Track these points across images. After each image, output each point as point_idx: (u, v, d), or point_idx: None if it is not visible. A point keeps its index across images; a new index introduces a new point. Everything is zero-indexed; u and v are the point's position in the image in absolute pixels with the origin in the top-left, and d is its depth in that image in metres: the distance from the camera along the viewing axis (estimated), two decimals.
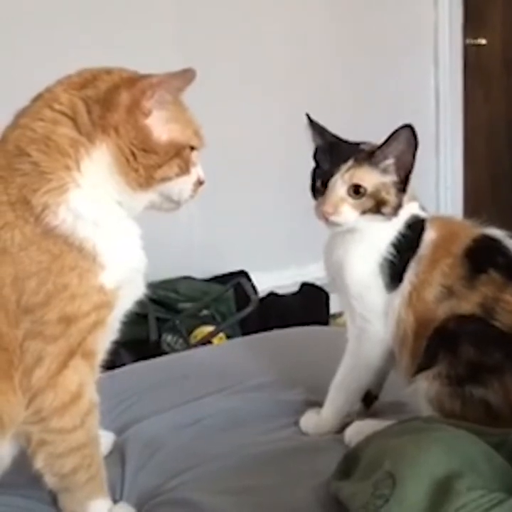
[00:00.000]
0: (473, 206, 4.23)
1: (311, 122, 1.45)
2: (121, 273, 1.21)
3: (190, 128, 1.26)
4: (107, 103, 1.17)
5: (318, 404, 1.53)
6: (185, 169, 1.25)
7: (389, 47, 3.89)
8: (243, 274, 3.26)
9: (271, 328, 2.12)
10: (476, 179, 4.29)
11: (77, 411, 1.20)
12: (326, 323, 3.04)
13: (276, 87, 3.51)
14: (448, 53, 4.10)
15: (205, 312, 2.93)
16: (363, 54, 3.77)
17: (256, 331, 2.15)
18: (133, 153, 1.19)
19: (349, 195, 1.36)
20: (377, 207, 1.37)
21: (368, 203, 1.36)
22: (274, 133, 3.38)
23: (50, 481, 1.23)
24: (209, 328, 2.79)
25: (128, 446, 1.44)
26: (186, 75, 1.21)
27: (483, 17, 4.16)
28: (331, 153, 1.41)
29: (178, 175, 1.24)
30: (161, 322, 2.79)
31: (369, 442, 1.16)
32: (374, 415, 1.50)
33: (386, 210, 1.38)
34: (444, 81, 4.12)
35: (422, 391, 1.32)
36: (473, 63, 4.19)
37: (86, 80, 1.21)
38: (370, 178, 1.36)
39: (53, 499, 1.26)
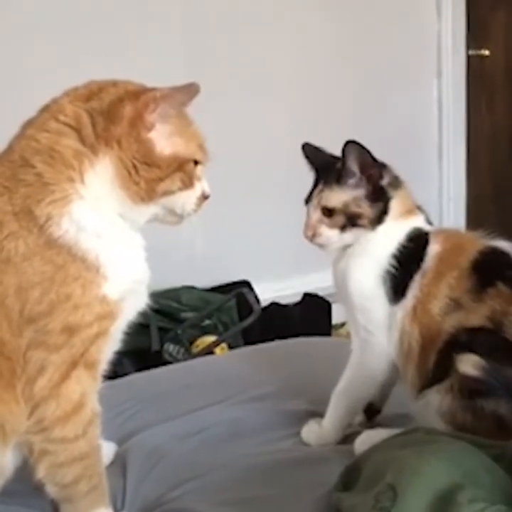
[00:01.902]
0: (476, 216, 4.23)
1: (304, 151, 1.51)
2: (124, 284, 1.21)
3: (195, 142, 1.26)
4: (110, 115, 1.18)
5: (320, 414, 1.53)
6: (188, 183, 1.25)
7: (392, 58, 3.89)
8: (245, 283, 3.25)
9: (273, 338, 2.12)
10: (479, 189, 4.29)
11: (79, 421, 1.20)
12: (328, 333, 3.04)
13: (280, 98, 3.51)
14: (451, 64, 4.11)
15: (207, 322, 2.92)
16: (366, 65, 3.77)
17: (258, 341, 2.16)
18: (135, 167, 1.19)
19: (324, 216, 1.43)
20: (351, 221, 1.42)
21: (339, 219, 1.42)
22: (277, 144, 3.38)
23: (51, 490, 1.23)
24: (211, 338, 2.78)
25: (130, 457, 1.44)
26: (190, 89, 1.22)
27: (486, 28, 4.17)
28: (316, 177, 1.49)
29: (180, 189, 1.24)
30: (163, 332, 2.78)
31: (371, 454, 1.16)
32: (378, 427, 1.50)
33: (362, 221, 1.42)
34: (447, 92, 4.13)
35: (434, 405, 1.31)
36: (476, 74, 4.19)
37: (92, 92, 1.21)
38: (337, 197, 1.42)
39: (55, 509, 1.26)
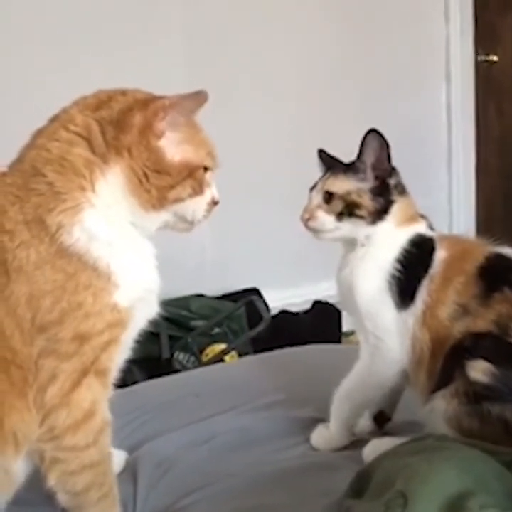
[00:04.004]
0: (485, 221, 4.22)
1: (320, 156, 1.53)
2: (135, 292, 1.22)
3: (204, 149, 1.27)
4: (120, 124, 1.19)
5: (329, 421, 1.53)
6: (198, 190, 1.25)
7: (401, 63, 3.89)
8: (255, 291, 3.25)
9: (283, 346, 2.12)
10: (488, 194, 4.29)
11: (89, 429, 1.21)
12: (338, 341, 3.03)
13: (287, 105, 3.52)
14: (460, 69, 4.11)
15: (217, 330, 2.92)
16: (374, 70, 3.78)
17: (268, 349, 2.15)
18: (146, 175, 1.20)
19: (324, 202, 1.45)
20: (349, 209, 1.42)
21: (338, 205, 1.43)
22: (286, 152, 3.39)
23: (62, 498, 1.23)
24: (221, 346, 2.78)
25: (140, 465, 1.44)
26: (199, 97, 1.22)
27: (494, 33, 4.17)
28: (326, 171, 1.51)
29: (191, 195, 1.24)
30: (173, 340, 2.78)
31: (381, 461, 1.15)
32: (389, 434, 1.49)
33: (361, 212, 1.42)
34: (456, 97, 4.13)
35: (440, 411, 1.31)
36: (485, 79, 4.19)
37: (101, 101, 1.22)
38: (341, 184, 1.44)
39: None
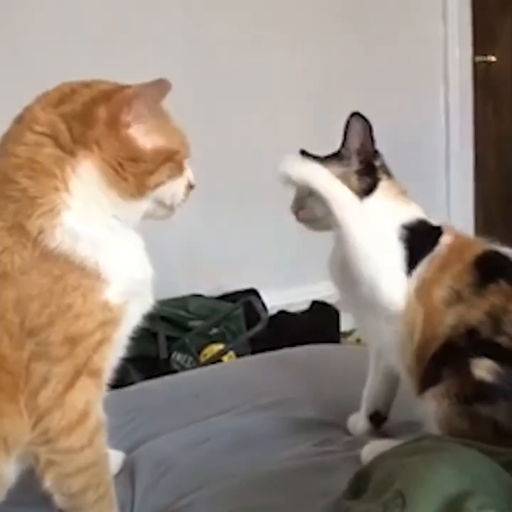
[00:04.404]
0: (484, 222, 4.23)
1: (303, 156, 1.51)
2: (125, 286, 1.20)
3: (176, 136, 1.25)
4: (85, 118, 1.17)
5: (328, 423, 1.53)
6: (177, 172, 1.24)
7: (398, 65, 3.90)
8: (253, 292, 3.25)
9: (281, 347, 2.11)
10: (486, 195, 4.29)
11: (84, 430, 1.20)
12: (336, 341, 3.03)
13: (287, 105, 3.52)
14: (458, 70, 4.11)
15: (214, 330, 2.92)
16: (372, 71, 3.78)
17: (266, 350, 2.15)
18: (120, 164, 1.17)
19: (313, 194, 1.42)
20: None
21: None
22: (285, 152, 3.38)
23: (59, 500, 1.22)
24: (219, 347, 2.78)
25: (138, 465, 1.44)
26: (161, 86, 1.20)
27: (493, 34, 4.17)
28: None
29: (171, 177, 1.23)
30: (170, 340, 2.78)
31: (379, 461, 1.15)
32: (387, 435, 1.49)
33: None
34: (453, 98, 4.13)
35: (432, 412, 1.31)
36: (483, 80, 4.19)
37: (64, 95, 1.20)
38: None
39: None
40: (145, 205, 1.23)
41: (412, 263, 1.37)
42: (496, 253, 1.39)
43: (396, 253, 1.37)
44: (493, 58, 4.17)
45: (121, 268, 1.20)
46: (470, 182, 4.25)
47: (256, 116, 3.44)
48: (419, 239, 1.39)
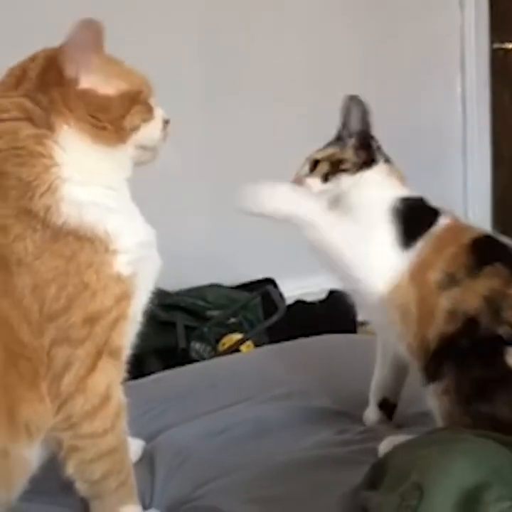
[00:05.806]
0: (501, 211, 4.20)
1: None
2: (133, 254, 1.22)
3: (133, 77, 1.27)
4: (43, 88, 1.19)
5: (345, 413, 1.53)
6: (148, 114, 1.27)
7: (415, 52, 3.87)
8: (270, 281, 3.26)
9: (298, 336, 2.12)
10: (504, 185, 4.26)
11: (107, 414, 1.21)
12: (354, 330, 3.02)
13: (301, 94, 3.51)
14: (475, 58, 4.08)
15: (233, 320, 2.93)
16: (389, 61, 3.76)
17: (284, 339, 2.15)
18: (94, 116, 1.20)
19: (310, 171, 1.49)
20: (334, 167, 1.46)
21: (323, 167, 1.47)
22: (296, 143, 3.38)
23: (81, 487, 1.24)
24: (237, 336, 2.79)
25: (157, 454, 1.46)
26: (90, 27, 1.19)
27: (510, 21, 4.13)
28: None
29: (144, 120, 1.26)
30: (189, 330, 2.79)
31: (396, 453, 1.15)
32: (400, 426, 1.50)
33: (345, 165, 1.46)
34: (471, 86, 4.10)
35: (435, 407, 1.31)
36: (500, 68, 4.16)
37: (18, 77, 1.22)
38: (325, 151, 1.50)
39: (85, 506, 1.27)
40: (130, 151, 1.26)
41: (407, 239, 1.36)
42: (494, 238, 1.37)
43: (384, 231, 1.37)
44: (510, 45, 4.13)
45: (127, 232, 1.22)
46: (487, 170, 4.22)
47: (272, 108, 3.43)
48: (417, 215, 1.39)
